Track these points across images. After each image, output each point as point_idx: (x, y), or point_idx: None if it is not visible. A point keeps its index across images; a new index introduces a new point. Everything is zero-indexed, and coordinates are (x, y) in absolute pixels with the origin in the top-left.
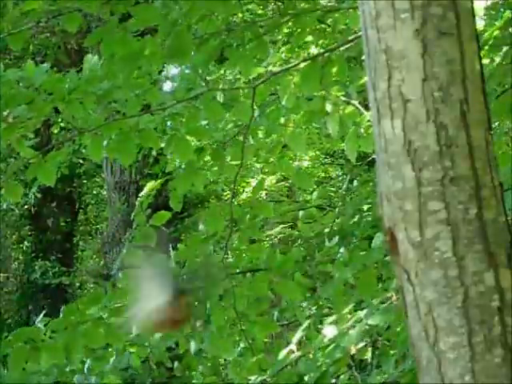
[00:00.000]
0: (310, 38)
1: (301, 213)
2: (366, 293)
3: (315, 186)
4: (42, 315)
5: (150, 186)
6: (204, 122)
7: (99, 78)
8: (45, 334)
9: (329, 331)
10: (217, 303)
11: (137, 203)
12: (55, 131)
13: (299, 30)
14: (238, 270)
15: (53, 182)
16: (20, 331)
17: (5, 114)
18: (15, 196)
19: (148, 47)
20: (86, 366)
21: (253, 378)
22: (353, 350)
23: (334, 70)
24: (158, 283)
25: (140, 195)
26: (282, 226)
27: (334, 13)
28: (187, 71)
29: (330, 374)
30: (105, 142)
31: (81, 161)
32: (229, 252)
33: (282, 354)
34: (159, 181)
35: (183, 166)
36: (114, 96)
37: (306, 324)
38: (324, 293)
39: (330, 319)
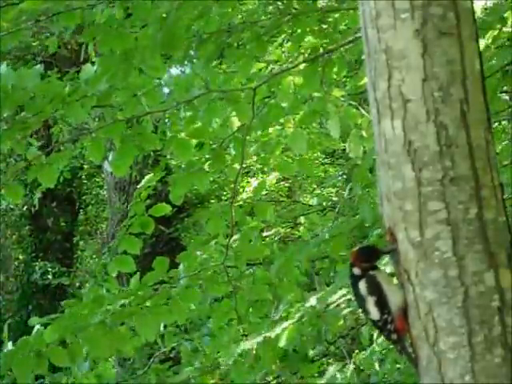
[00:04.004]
0: (310, 39)
1: (302, 218)
2: (337, 254)
3: (315, 186)
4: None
5: (149, 178)
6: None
7: (98, 77)
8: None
9: (312, 300)
10: (217, 306)
11: (134, 194)
12: (55, 132)
13: (299, 31)
14: (238, 272)
15: (53, 184)
16: (23, 341)
17: (5, 115)
18: (16, 197)
19: (139, 40)
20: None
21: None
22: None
23: (335, 70)
24: None
25: (138, 187)
26: (281, 226)
27: (334, 13)
28: (185, 72)
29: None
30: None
31: (81, 161)
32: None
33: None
34: (157, 174)
35: (183, 166)
36: (114, 98)
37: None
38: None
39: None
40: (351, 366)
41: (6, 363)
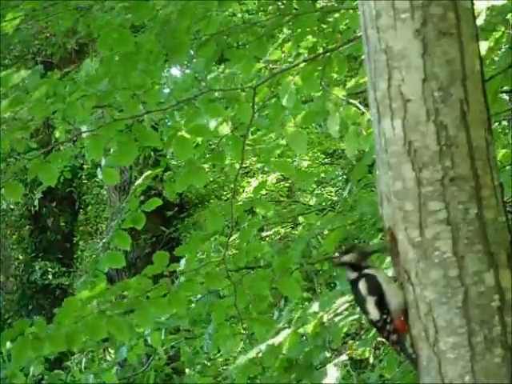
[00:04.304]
0: (310, 38)
1: (300, 218)
2: (331, 249)
3: (315, 186)
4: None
5: (146, 175)
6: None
7: (98, 78)
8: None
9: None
10: (218, 302)
11: (130, 192)
12: (57, 134)
13: (299, 31)
14: (239, 275)
15: (54, 183)
16: (21, 323)
17: (6, 115)
18: (15, 196)
19: (144, 45)
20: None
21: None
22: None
23: (335, 69)
24: None
25: (135, 184)
26: (281, 226)
27: (333, 13)
28: (183, 74)
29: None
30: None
31: (81, 161)
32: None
33: (270, 334)
34: (155, 172)
35: (183, 164)
36: (114, 97)
37: (292, 305)
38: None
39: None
40: (345, 357)
41: (4, 343)
